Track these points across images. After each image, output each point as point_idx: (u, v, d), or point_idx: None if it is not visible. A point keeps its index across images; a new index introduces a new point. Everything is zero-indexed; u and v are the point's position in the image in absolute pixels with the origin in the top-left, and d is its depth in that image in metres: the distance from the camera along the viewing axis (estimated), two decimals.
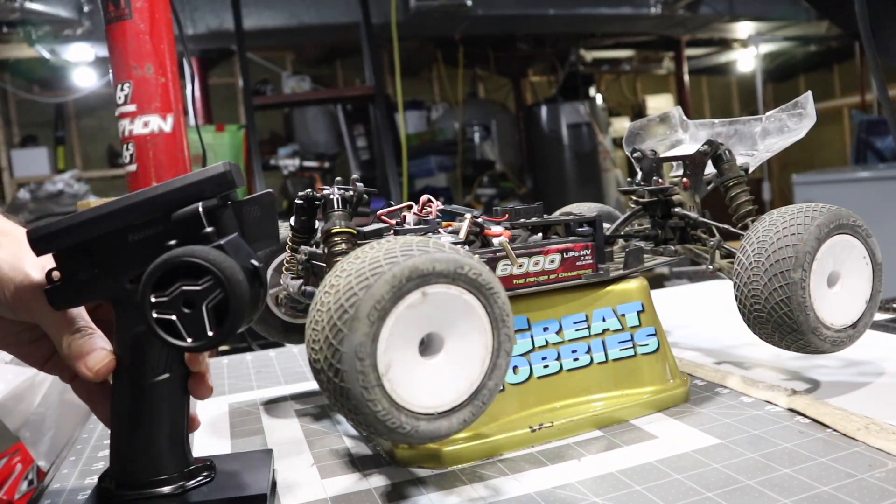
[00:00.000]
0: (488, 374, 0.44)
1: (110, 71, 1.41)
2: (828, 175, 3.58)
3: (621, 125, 5.90)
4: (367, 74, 3.43)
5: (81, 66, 4.12)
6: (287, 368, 0.87)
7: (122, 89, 1.39)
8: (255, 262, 0.43)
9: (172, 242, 0.42)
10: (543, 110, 4.81)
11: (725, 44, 5.64)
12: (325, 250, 0.54)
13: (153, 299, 0.40)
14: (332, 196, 0.56)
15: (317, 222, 0.64)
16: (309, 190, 0.61)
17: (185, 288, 0.40)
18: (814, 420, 0.55)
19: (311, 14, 3.64)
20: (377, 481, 0.51)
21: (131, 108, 1.38)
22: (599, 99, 5.06)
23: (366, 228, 0.54)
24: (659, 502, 0.44)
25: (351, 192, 0.56)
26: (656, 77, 6.43)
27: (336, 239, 0.54)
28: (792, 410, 0.57)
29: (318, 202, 0.60)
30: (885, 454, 0.48)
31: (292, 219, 0.63)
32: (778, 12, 4.50)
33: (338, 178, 0.59)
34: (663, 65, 6.05)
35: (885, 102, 0.99)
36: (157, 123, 1.39)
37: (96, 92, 4.33)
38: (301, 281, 0.60)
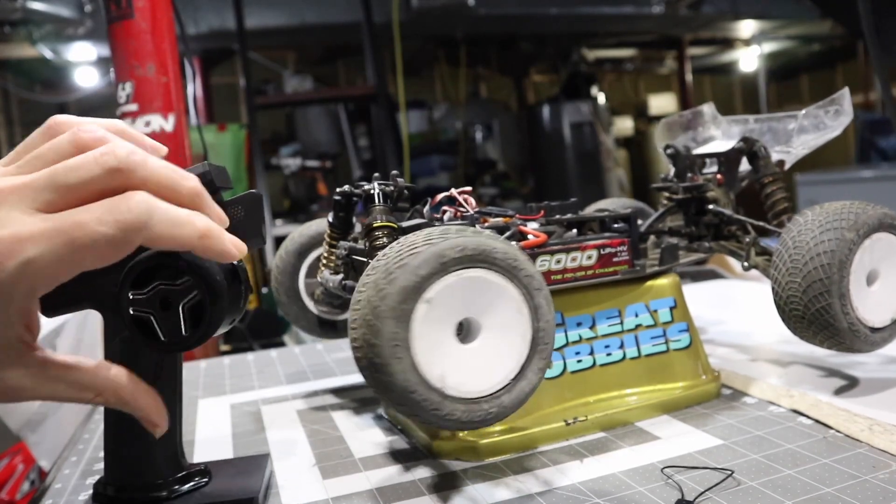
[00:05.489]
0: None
1: (112, 70, 1.41)
2: (831, 175, 3.57)
3: (623, 125, 5.90)
4: (368, 74, 3.43)
5: (83, 65, 4.13)
6: (288, 368, 0.87)
7: (123, 89, 1.39)
8: (234, 263, 0.42)
9: None
10: (545, 110, 4.81)
11: (728, 43, 5.64)
12: (367, 245, 0.54)
13: (131, 296, 0.39)
14: (372, 191, 0.56)
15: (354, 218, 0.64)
16: (347, 186, 0.61)
17: (162, 287, 0.39)
18: (817, 421, 0.54)
19: (312, 13, 3.64)
20: (378, 481, 0.51)
21: (133, 107, 1.38)
22: (602, 98, 5.06)
23: (405, 223, 0.54)
24: (660, 503, 0.44)
25: (391, 187, 0.56)
26: (659, 76, 6.43)
27: (377, 233, 0.54)
28: (795, 411, 0.57)
29: (356, 198, 0.60)
30: (888, 455, 0.47)
31: (330, 214, 0.63)
32: (781, 11, 4.50)
33: (376, 175, 0.59)
34: (666, 64, 6.05)
35: (888, 102, 0.99)
36: (158, 123, 1.39)
37: (98, 92, 4.34)
38: (341, 276, 0.60)
